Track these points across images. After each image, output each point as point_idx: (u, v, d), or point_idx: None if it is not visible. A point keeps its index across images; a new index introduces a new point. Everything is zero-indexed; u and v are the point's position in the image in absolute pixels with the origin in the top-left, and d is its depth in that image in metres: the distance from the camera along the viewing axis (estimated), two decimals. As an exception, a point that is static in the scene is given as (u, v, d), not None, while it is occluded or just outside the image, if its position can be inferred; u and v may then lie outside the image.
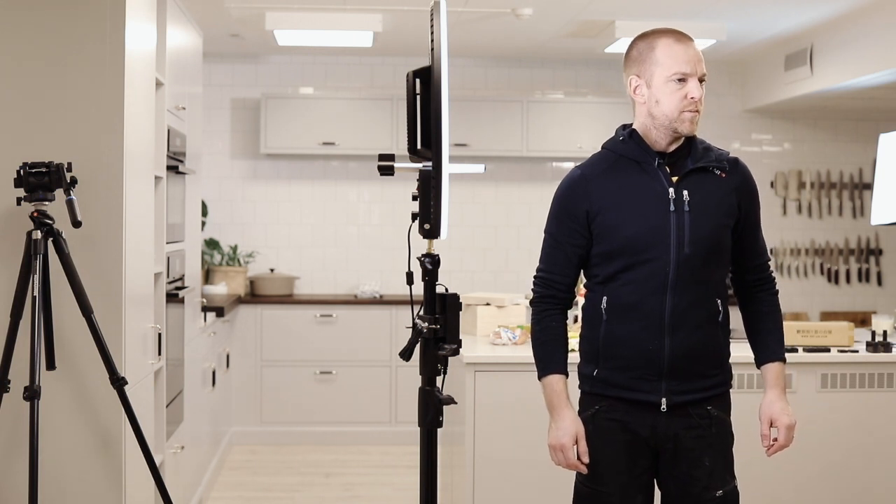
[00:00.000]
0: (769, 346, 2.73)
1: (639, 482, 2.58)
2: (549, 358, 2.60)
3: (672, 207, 2.50)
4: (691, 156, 2.56)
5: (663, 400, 2.52)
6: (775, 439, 2.65)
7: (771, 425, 2.65)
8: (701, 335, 2.55)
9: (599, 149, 2.65)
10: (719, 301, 2.61)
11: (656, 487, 2.64)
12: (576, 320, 4.53)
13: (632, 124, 2.60)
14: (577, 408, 2.62)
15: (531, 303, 2.68)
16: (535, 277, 2.66)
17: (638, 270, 2.51)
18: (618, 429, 2.56)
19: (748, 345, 2.80)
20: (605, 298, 2.55)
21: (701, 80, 2.51)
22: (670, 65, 2.48)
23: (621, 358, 2.54)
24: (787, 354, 4.02)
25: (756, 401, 2.76)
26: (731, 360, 2.71)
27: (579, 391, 2.65)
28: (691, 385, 2.55)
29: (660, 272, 2.50)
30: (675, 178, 2.53)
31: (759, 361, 2.73)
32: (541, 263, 2.65)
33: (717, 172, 2.56)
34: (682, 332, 2.51)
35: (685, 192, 2.51)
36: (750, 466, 3.95)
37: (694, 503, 2.57)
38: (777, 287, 2.82)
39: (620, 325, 2.53)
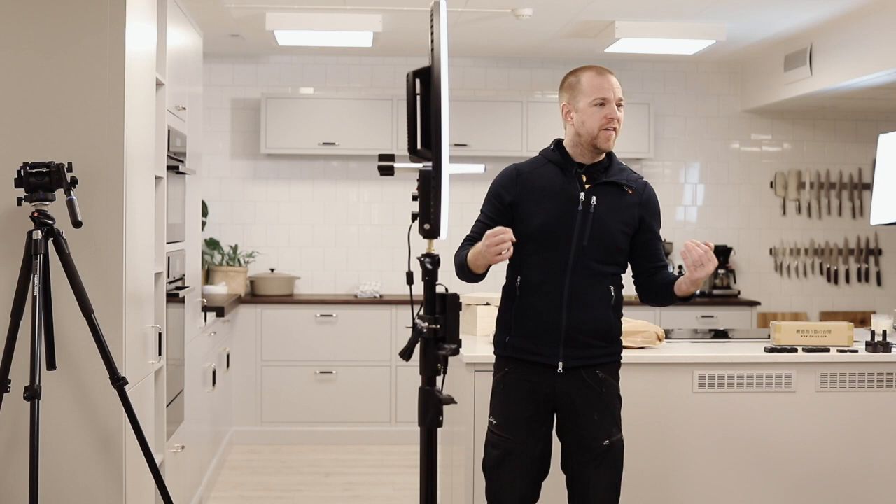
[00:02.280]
0: (670, 277, 3.18)
1: (539, 433, 3.12)
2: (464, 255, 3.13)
3: (580, 208, 3.07)
4: (607, 171, 3.13)
5: (560, 363, 3.06)
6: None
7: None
8: (593, 313, 3.08)
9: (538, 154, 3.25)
10: (612, 288, 3.12)
11: (555, 441, 3.17)
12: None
13: (562, 140, 3.20)
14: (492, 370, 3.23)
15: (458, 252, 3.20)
16: (464, 240, 3.20)
17: (546, 254, 3.07)
18: (525, 387, 3.10)
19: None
20: (519, 277, 3.12)
21: (619, 105, 3.08)
22: (592, 92, 3.08)
23: (529, 328, 3.10)
24: (786, 354, 4.07)
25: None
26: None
27: (494, 356, 3.24)
28: (583, 352, 3.08)
29: (562, 258, 3.06)
30: (588, 185, 3.10)
31: (675, 286, 3.13)
32: (470, 232, 3.20)
33: (627, 189, 3.13)
34: (577, 308, 3.06)
35: (594, 198, 3.08)
36: (750, 465, 3.96)
37: (586, 450, 3.10)
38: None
39: (530, 300, 3.09)
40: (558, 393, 3.09)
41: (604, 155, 3.15)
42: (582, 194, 3.08)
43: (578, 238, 3.06)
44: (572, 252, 3.06)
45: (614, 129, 3.07)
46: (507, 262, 3.09)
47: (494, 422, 3.14)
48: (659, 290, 3.20)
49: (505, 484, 3.13)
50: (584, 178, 3.12)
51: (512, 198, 3.12)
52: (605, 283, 3.11)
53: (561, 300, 3.06)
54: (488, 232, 2.92)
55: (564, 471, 3.19)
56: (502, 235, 2.88)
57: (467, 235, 3.21)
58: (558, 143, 3.19)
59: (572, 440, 3.13)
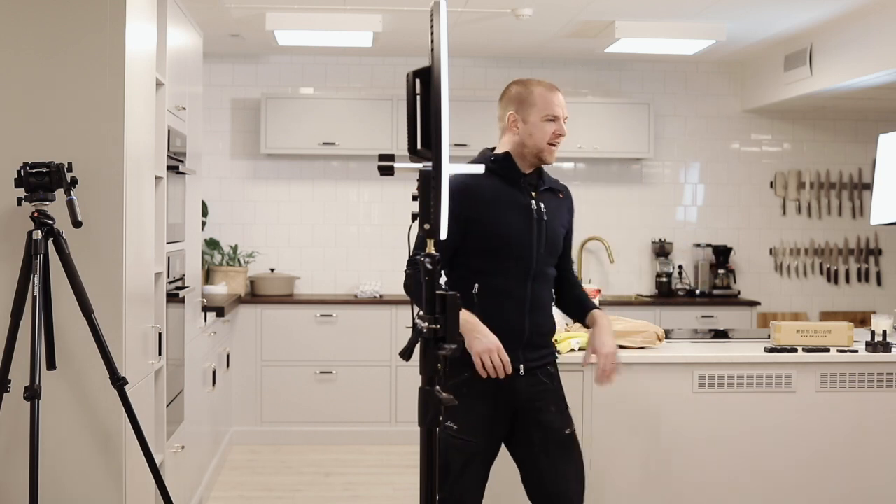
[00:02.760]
0: (586, 303, 3.37)
1: (499, 434, 3.18)
2: None
3: (535, 216, 3.17)
4: (542, 178, 3.26)
5: (521, 366, 3.13)
6: (603, 369, 3.20)
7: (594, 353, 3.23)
8: (546, 315, 3.24)
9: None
10: (553, 290, 3.31)
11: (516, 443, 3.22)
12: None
13: (494, 148, 3.27)
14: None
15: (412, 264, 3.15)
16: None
17: (509, 263, 3.13)
18: (488, 391, 3.08)
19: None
20: (477, 285, 3.13)
21: (564, 121, 3.21)
22: (544, 107, 3.17)
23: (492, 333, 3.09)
24: (786, 354, 4.07)
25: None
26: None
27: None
28: (538, 353, 3.19)
29: (526, 265, 3.15)
30: (533, 194, 3.20)
31: (585, 313, 3.35)
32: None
33: (559, 194, 3.31)
34: (536, 313, 3.18)
35: (542, 205, 3.19)
36: (750, 465, 3.95)
37: (556, 439, 3.17)
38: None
39: (491, 307, 3.10)
40: (519, 394, 3.14)
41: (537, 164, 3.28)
42: (532, 202, 3.18)
43: (537, 245, 3.16)
44: (534, 259, 3.16)
45: (556, 145, 3.23)
46: (450, 268, 3.13)
47: (455, 426, 3.09)
48: (574, 307, 3.41)
49: (472, 486, 3.15)
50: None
51: (467, 213, 3.07)
52: (550, 285, 3.28)
53: (524, 306, 3.15)
54: (495, 346, 2.98)
55: (531, 472, 3.21)
56: (507, 360, 3.00)
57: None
58: (506, 155, 3.22)
59: (538, 437, 3.17)
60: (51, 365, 3.01)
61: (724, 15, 5.57)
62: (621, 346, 4.01)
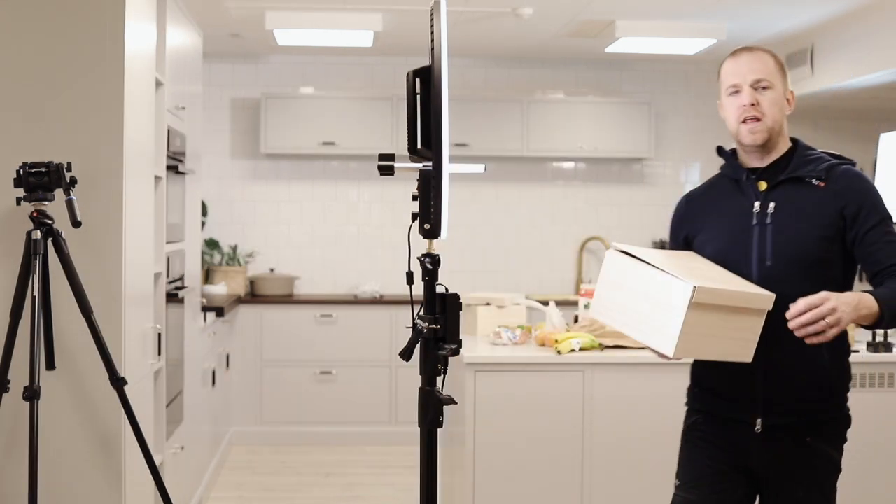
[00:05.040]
0: (877, 291, 2.39)
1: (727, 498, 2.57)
2: None
3: (755, 221, 2.52)
4: (787, 166, 2.55)
5: (759, 421, 2.48)
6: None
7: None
8: (799, 352, 2.38)
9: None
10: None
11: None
12: (576, 320, 4.53)
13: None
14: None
15: None
16: None
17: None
18: (717, 440, 2.58)
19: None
20: None
21: (757, 87, 2.54)
22: (725, 79, 2.59)
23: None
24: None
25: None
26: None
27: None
28: (784, 408, 2.48)
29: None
30: (761, 192, 2.53)
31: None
32: None
33: (816, 182, 2.51)
34: (778, 349, 2.39)
35: (772, 205, 2.51)
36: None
37: None
38: None
39: None
40: (753, 458, 2.53)
41: (784, 150, 2.58)
42: (756, 204, 2.52)
43: (758, 259, 2.49)
44: (754, 278, 2.47)
45: (756, 118, 2.51)
46: None
47: (677, 481, 2.62)
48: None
49: None
50: (760, 186, 2.55)
51: (685, 232, 2.66)
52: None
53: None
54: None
55: None
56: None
57: None
58: (732, 152, 2.64)
59: None
60: (50, 365, 3.01)
61: (725, 14, 5.57)
62: (619, 347, 4.01)
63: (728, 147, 2.67)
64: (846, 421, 2.55)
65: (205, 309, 5.26)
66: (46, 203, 2.94)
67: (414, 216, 2.25)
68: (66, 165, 2.95)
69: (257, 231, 7.03)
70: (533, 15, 5.51)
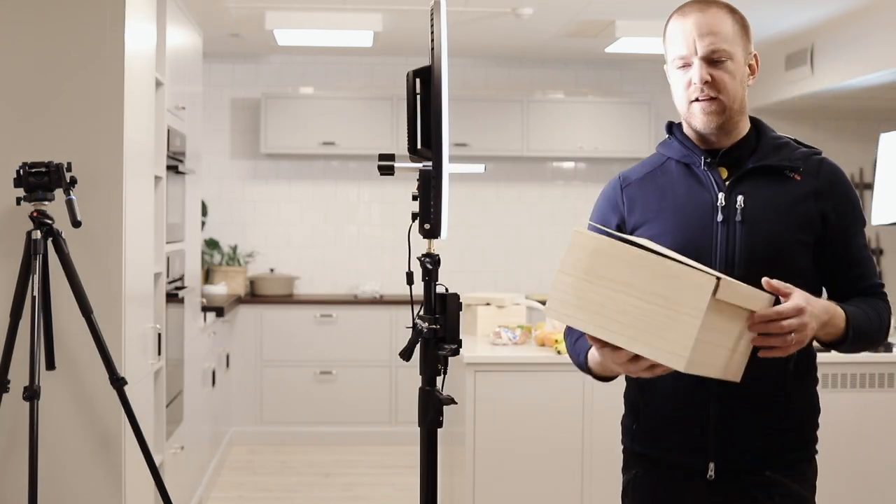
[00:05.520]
0: (846, 307, 2.02)
1: None
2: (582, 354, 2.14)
3: (720, 217, 2.03)
4: (756, 151, 2.08)
5: (711, 465, 2.07)
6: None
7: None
8: (762, 377, 2.00)
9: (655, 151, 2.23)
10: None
11: None
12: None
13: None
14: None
15: None
16: None
17: None
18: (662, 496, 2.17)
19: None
20: None
21: (711, 60, 2.00)
22: (671, 47, 2.07)
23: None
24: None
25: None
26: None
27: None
28: (743, 447, 2.08)
29: None
30: (724, 181, 2.06)
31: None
32: None
33: (791, 174, 2.05)
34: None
35: (741, 198, 2.03)
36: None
37: None
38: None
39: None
40: None
41: (745, 130, 2.09)
42: (720, 196, 2.04)
43: (723, 264, 2.02)
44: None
45: (711, 98, 2.01)
46: None
47: None
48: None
49: None
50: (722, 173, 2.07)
51: (626, 223, 2.16)
52: None
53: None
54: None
55: None
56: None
57: None
58: (680, 127, 2.15)
59: None
60: (50, 365, 3.01)
61: (758, 69, 5.56)
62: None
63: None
64: (813, 467, 2.25)
65: (205, 309, 5.26)
66: (46, 203, 2.94)
67: (414, 216, 2.25)
68: (66, 165, 2.95)
69: (257, 231, 7.03)
70: (533, 15, 5.51)
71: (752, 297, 1.83)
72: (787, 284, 1.87)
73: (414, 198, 2.24)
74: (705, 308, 1.72)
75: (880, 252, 7.35)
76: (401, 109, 6.63)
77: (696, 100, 2.02)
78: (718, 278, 1.72)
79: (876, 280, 2.11)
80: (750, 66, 2.09)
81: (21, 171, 2.93)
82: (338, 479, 5.74)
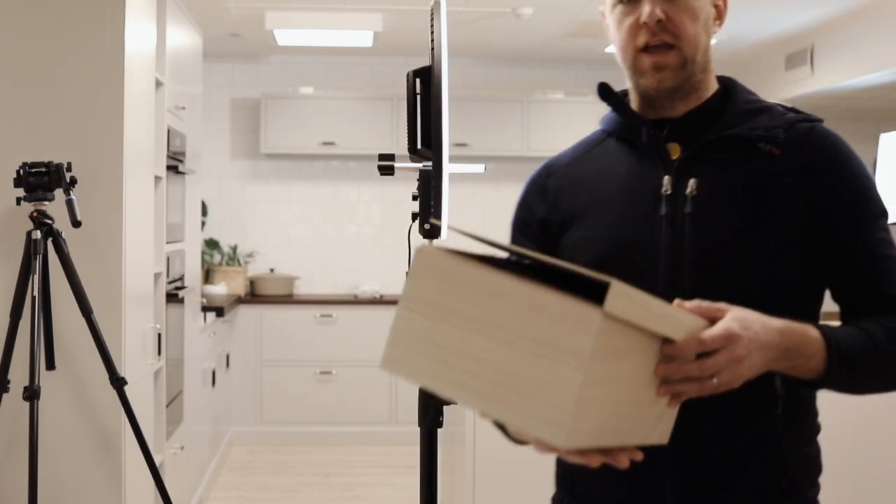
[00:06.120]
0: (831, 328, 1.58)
1: None
2: None
3: (666, 208, 1.49)
4: (721, 120, 1.52)
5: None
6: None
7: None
8: (732, 405, 1.46)
9: None
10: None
11: None
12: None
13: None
14: None
15: None
16: None
17: None
18: None
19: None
20: None
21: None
22: None
23: None
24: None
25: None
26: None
27: None
28: (709, 482, 1.58)
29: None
30: (672, 161, 1.52)
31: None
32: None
33: (762, 148, 1.48)
34: (696, 401, 1.32)
35: (692, 183, 1.48)
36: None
37: None
38: None
39: None
40: None
41: (709, 92, 1.55)
42: (664, 181, 1.50)
43: (668, 262, 1.48)
44: (660, 289, 1.45)
45: (665, 47, 1.48)
46: None
47: None
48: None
49: None
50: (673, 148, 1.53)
51: (555, 214, 1.73)
52: None
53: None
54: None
55: None
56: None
57: None
58: (623, 94, 1.72)
59: None
60: (50, 365, 3.01)
61: (725, 14, 5.56)
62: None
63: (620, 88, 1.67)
64: None
65: (205, 309, 5.26)
66: (46, 203, 2.94)
67: (414, 216, 2.25)
68: (66, 165, 2.95)
69: (257, 231, 7.03)
70: (533, 15, 5.51)
71: (673, 322, 1.21)
72: (718, 304, 1.27)
73: (414, 198, 2.24)
74: (589, 353, 1.08)
75: (880, 252, 7.34)
76: (401, 109, 6.63)
77: (646, 49, 1.49)
78: (611, 284, 1.07)
79: None
80: (717, 6, 1.56)
81: (21, 171, 2.93)
82: (338, 479, 5.74)
